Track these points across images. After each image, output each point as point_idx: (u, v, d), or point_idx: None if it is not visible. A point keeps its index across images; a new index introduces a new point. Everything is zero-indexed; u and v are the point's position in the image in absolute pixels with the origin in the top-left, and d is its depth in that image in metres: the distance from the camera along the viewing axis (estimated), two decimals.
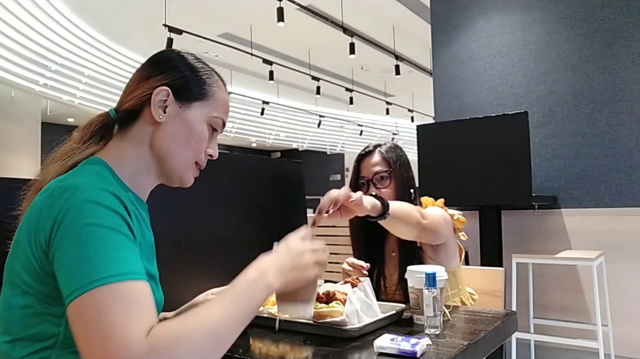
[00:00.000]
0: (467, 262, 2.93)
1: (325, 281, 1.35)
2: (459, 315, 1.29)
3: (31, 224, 0.73)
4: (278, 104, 11.32)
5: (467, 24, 3.58)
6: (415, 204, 1.57)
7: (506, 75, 3.37)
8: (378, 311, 1.20)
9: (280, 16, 5.43)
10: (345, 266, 1.54)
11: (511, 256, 2.68)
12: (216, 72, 0.96)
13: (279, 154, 16.29)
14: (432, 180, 2.90)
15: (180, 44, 6.03)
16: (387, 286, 1.63)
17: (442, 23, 3.71)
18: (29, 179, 0.88)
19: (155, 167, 0.90)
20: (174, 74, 0.89)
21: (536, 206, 2.97)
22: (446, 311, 1.24)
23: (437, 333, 1.09)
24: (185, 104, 0.89)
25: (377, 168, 1.60)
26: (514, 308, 2.69)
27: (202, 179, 0.96)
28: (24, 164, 7.78)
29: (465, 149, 2.82)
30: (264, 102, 10.48)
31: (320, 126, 12.16)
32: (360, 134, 13.46)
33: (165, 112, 0.88)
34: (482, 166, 2.72)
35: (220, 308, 0.72)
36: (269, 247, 0.87)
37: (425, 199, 1.62)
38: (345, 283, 1.22)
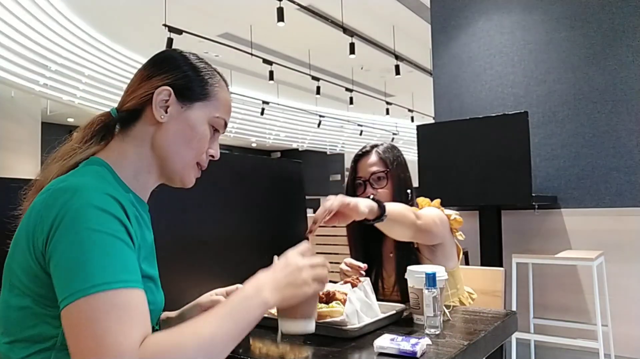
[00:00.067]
0: (467, 262, 2.93)
1: None
2: (458, 315, 1.29)
3: (30, 225, 0.73)
4: (278, 104, 11.32)
5: (467, 24, 3.58)
6: (412, 205, 1.57)
7: (506, 75, 3.37)
8: (378, 311, 1.20)
9: (280, 16, 5.44)
10: (343, 266, 1.53)
11: (511, 256, 2.68)
12: (218, 73, 0.95)
13: (279, 154, 16.28)
14: (432, 180, 2.90)
15: (180, 44, 6.03)
16: (384, 286, 1.63)
17: (442, 23, 3.71)
18: (29, 179, 0.88)
19: (156, 168, 0.90)
20: (176, 74, 0.89)
21: (536, 206, 2.97)
22: (446, 311, 1.24)
23: (437, 333, 1.09)
24: (187, 104, 0.89)
25: (374, 168, 1.60)
26: (514, 308, 2.69)
27: (202, 179, 0.95)
28: (24, 164, 7.78)
29: (465, 149, 2.82)
30: (264, 102, 10.49)
31: (320, 126, 12.17)
32: (360, 134, 13.46)
33: (167, 112, 0.87)
34: (482, 166, 2.72)
35: (215, 323, 0.72)
36: (269, 247, 0.88)
37: (421, 200, 1.62)
38: (345, 282, 1.22)
